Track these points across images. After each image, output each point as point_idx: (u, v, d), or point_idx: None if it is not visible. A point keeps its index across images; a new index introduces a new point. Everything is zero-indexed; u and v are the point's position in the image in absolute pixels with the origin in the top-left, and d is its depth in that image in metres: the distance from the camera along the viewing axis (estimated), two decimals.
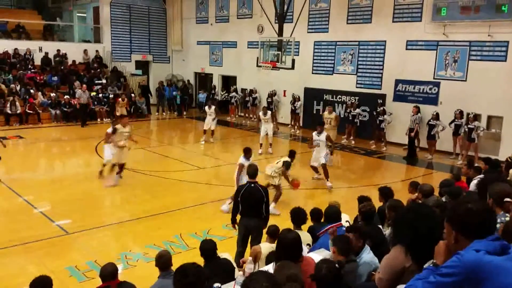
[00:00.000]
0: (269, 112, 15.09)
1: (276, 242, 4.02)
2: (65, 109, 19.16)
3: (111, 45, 24.25)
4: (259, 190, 6.40)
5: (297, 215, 5.62)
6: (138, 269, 6.50)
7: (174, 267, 3.77)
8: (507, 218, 3.75)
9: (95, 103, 20.33)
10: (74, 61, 22.57)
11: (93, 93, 20.64)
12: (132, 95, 21.76)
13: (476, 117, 14.08)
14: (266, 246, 5.11)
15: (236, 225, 6.61)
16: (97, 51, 23.61)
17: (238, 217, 6.53)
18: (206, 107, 16.20)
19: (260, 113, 15.05)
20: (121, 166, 10.94)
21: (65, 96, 19.47)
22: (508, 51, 13.84)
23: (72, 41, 25.18)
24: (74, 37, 26.21)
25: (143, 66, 25.63)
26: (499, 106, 14.03)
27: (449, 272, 2.05)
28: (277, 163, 9.57)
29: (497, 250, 2.04)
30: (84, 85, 19.45)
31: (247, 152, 9.06)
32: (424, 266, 2.34)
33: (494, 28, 13.95)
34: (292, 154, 9.88)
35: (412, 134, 14.71)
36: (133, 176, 11.66)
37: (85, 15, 27.13)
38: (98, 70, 22.72)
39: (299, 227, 5.56)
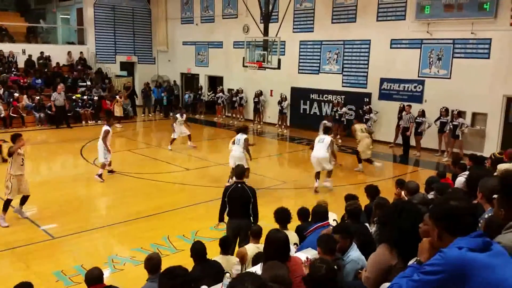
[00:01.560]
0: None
1: (264, 242, 4.03)
2: (49, 112, 18.95)
3: (95, 46, 24.03)
4: (246, 190, 6.40)
5: (281, 215, 5.60)
6: (125, 273, 6.44)
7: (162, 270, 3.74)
8: None
9: (80, 105, 20.14)
10: (58, 63, 22.33)
11: (78, 96, 20.46)
12: (117, 96, 21.61)
13: (460, 114, 14.23)
14: (251, 247, 5.13)
15: (223, 222, 6.62)
16: (81, 52, 23.39)
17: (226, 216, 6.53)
18: (178, 115, 15.05)
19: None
20: (23, 200, 8.55)
21: (50, 99, 19.25)
22: (491, 48, 14.02)
23: (56, 43, 24.93)
24: (57, 39, 25.95)
25: (128, 67, 25.46)
26: (484, 103, 14.20)
27: (433, 270, 2.06)
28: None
29: (479, 247, 2.05)
30: (60, 87, 19.06)
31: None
32: (408, 264, 2.36)
33: (477, 25, 14.11)
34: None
35: (408, 133, 14.78)
36: (119, 179, 11.58)
37: (68, 16, 26.89)
38: (83, 72, 22.52)
39: (284, 227, 5.56)
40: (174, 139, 15.00)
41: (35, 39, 24.38)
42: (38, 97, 19.32)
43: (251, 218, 6.38)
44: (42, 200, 9.52)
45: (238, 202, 6.37)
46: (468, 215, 2.21)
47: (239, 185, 6.46)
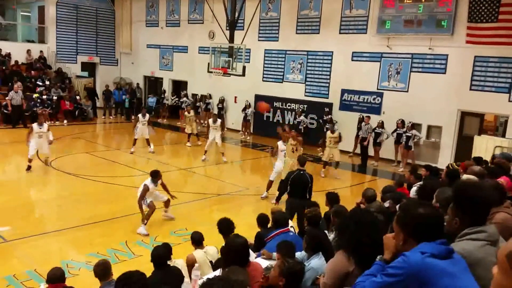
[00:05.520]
0: (218, 120, 14.80)
1: (224, 247, 4.05)
2: (5, 111, 18.29)
3: (56, 45, 23.40)
4: (306, 176, 8.09)
5: (224, 225, 5.45)
6: (81, 278, 6.28)
7: (118, 275, 3.69)
8: None
9: (37, 105, 19.54)
10: (16, 62, 21.61)
11: (37, 95, 19.85)
12: (77, 97, 21.13)
13: (414, 125, 14.73)
14: (199, 253, 5.26)
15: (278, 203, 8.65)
16: (41, 51, 22.73)
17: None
18: (140, 115, 14.82)
19: (210, 120, 14.86)
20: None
21: (6, 98, 18.58)
22: (447, 64, 14.58)
23: (15, 41, 24.14)
24: (17, 37, 25.14)
25: (89, 68, 24.91)
26: (439, 116, 14.74)
27: (394, 272, 2.13)
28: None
29: (442, 254, 2.13)
30: (16, 86, 18.40)
31: (155, 175, 8.34)
32: (377, 259, 2.43)
33: (434, 41, 14.67)
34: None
35: (365, 143, 15.15)
36: (77, 182, 11.30)
37: (29, 14, 26.09)
38: (42, 71, 21.87)
39: (228, 237, 5.53)
40: (135, 139, 14.83)
41: None
42: None
43: (308, 197, 7.92)
44: None
45: (299, 185, 7.97)
46: (436, 223, 2.29)
47: (301, 172, 8.15)
